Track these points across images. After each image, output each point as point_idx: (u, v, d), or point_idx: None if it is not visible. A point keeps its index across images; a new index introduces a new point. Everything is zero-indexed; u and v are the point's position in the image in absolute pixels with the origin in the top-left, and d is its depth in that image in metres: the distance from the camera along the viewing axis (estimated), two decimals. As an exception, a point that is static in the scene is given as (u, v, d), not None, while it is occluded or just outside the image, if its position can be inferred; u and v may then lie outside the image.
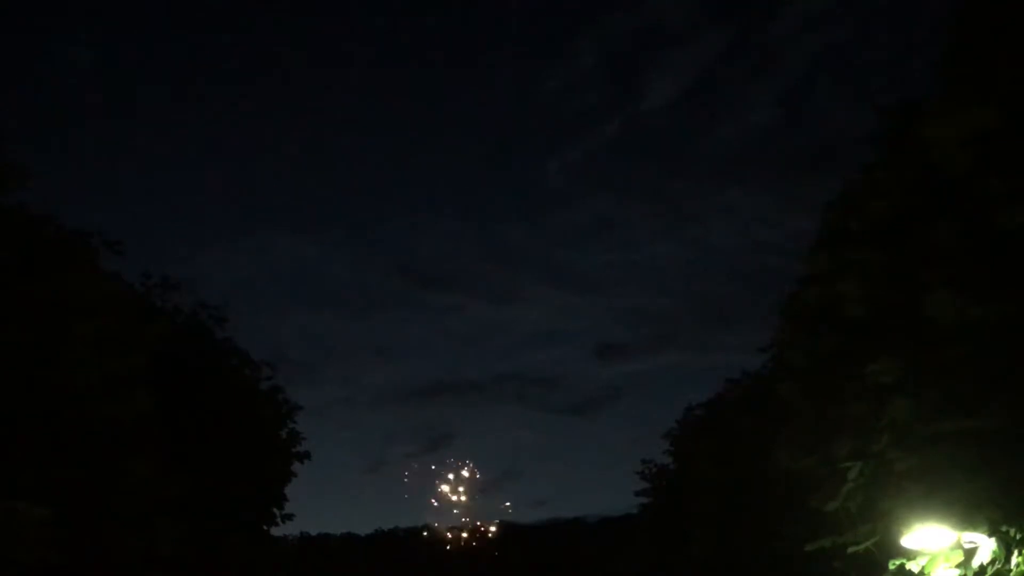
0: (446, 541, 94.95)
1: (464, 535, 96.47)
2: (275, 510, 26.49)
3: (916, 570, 12.54)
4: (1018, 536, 11.68)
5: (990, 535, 11.78)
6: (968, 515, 11.85)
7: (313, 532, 69.83)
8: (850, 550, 14.66)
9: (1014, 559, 11.72)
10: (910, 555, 12.58)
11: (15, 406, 13.97)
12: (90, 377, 15.73)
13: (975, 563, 11.96)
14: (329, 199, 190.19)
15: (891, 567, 12.94)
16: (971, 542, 11.96)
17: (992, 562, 11.83)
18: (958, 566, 12.00)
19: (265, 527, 26.68)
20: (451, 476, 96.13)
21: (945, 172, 11.57)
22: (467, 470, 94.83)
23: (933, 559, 12.15)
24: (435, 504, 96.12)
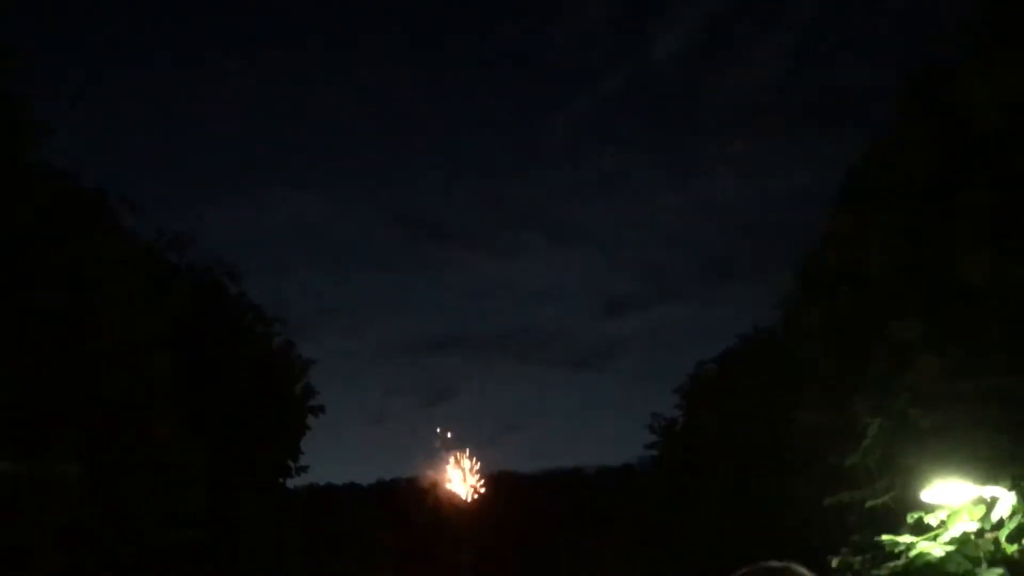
0: (445, 490, 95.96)
1: (464, 485, 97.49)
2: (290, 463, 26.81)
3: (935, 524, 12.75)
4: (1041, 491, 11.85)
5: (1010, 490, 11.95)
6: (991, 471, 12.03)
7: (319, 483, 70.51)
8: (868, 504, 14.89)
9: (1036, 513, 11.89)
10: (928, 509, 12.76)
11: (43, 367, 14.05)
12: (113, 337, 15.81)
13: (994, 516, 12.12)
14: (331, 154, 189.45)
15: (909, 521, 13.14)
16: (991, 496, 12.15)
17: (1012, 516, 12.02)
18: (979, 520, 12.19)
19: (281, 479, 27.02)
20: (450, 434, 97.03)
21: (977, 133, 11.58)
22: (467, 458, 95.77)
23: (954, 514, 12.34)
24: (435, 455, 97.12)
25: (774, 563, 1.93)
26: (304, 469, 27.89)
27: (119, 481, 16.29)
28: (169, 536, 17.49)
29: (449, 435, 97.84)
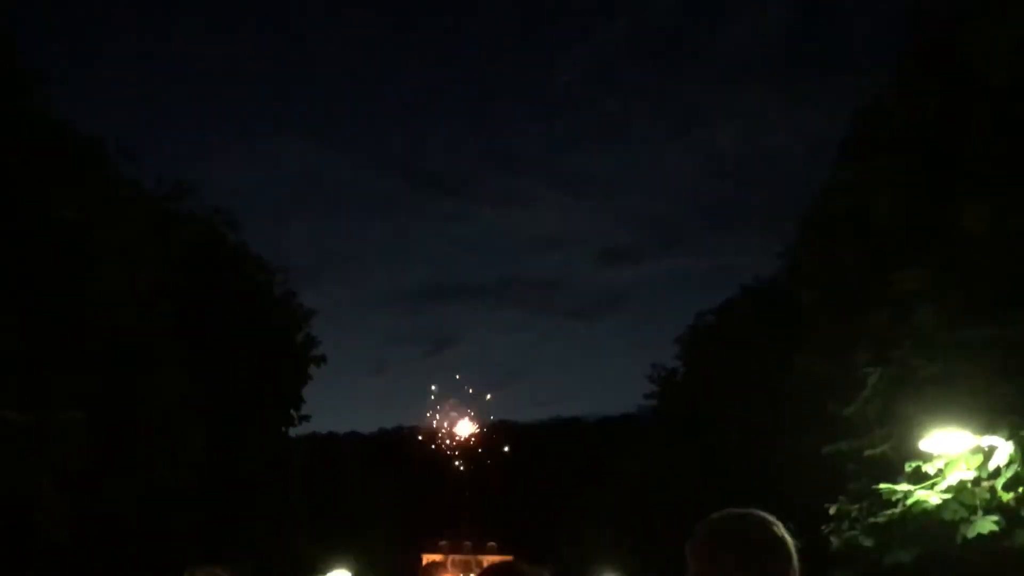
0: (446, 439, 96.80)
1: (464, 434, 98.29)
2: (292, 412, 27.02)
3: (932, 472, 12.86)
4: (1038, 440, 11.91)
5: (1008, 439, 12.03)
6: (990, 421, 12.09)
7: (320, 432, 71.00)
8: (866, 453, 15.00)
9: (1032, 461, 11.96)
10: (926, 458, 12.86)
11: (47, 316, 14.07)
12: (115, 286, 15.81)
13: (991, 465, 12.21)
14: (333, 102, 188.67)
15: (907, 469, 13.25)
16: (989, 445, 12.23)
17: (1009, 464, 12.10)
18: (976, 469, 12.29)
19: (283, 428, 27.25)
20: (450, 383, 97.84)
21: (983, 82, 11.45)
22: (468, 387, 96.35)
23: (951, 463, 12.43)
24: (436, 404, 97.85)
25: (737, 511, 1.97)
26: (306, 418, 28.17)
27: (122, 428, 16.40)
28: (171, 481, 17.66)
29: (450, 384, 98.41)
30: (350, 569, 43.16)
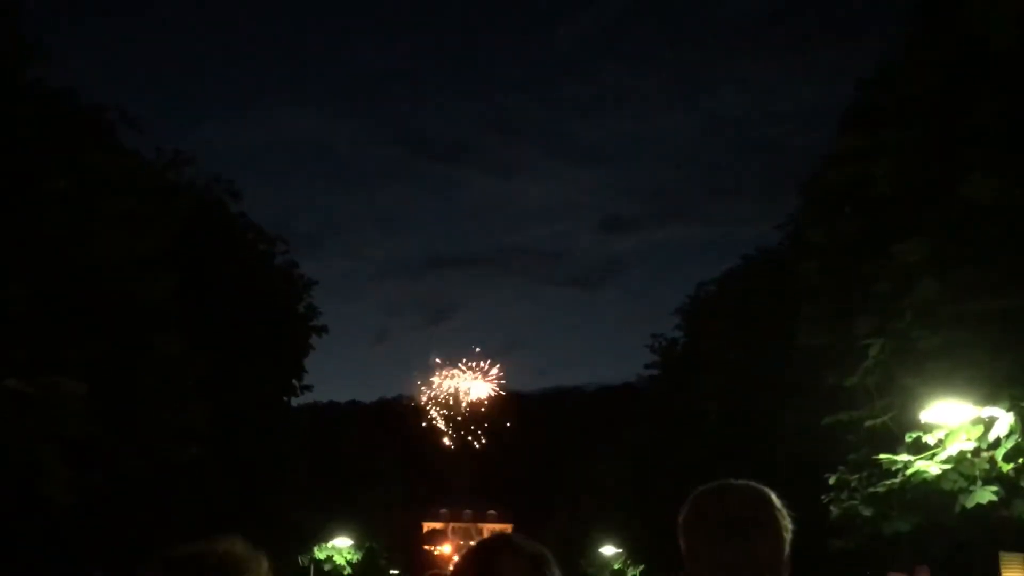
0: (445, 407, 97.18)
1: (463, 402, 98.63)
2: (294, 381, 27.08)
3: (932, 443, 12.92)
4: (1038, 411, 11.95)
5: (1008, 410, 12.06)
6: (990, 392, 12.12)
7: (321, 401, 71.23)
8: (867, 424, 15.06)
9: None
10: (927, 429, 12.91)
11: (49, 285, 14.05)
12: (117, 256, 15.77)
13: (991, 436, 12.26)
14: (332, 70, 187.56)
15: (907, 440, 13.31)
16: (989, 416, 12.27)
17: (1009, 435, 12.15)
18: (976, 440, 12.34)
19: (285, 398, 27.31)
20: (450, 353, 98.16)
21: (990, 50, 11.35)
22: (467, 359, 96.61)
23: (952, 433, 12.48)
24: (436, 373, 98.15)
25: (724, 483, 1.91)
26: (308, 388, 28.24)
27: (125, 397, 16.44)
28: (174, 451, 17.73)
29: (450, 353, 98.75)
30: (351, 537, 43.58)
